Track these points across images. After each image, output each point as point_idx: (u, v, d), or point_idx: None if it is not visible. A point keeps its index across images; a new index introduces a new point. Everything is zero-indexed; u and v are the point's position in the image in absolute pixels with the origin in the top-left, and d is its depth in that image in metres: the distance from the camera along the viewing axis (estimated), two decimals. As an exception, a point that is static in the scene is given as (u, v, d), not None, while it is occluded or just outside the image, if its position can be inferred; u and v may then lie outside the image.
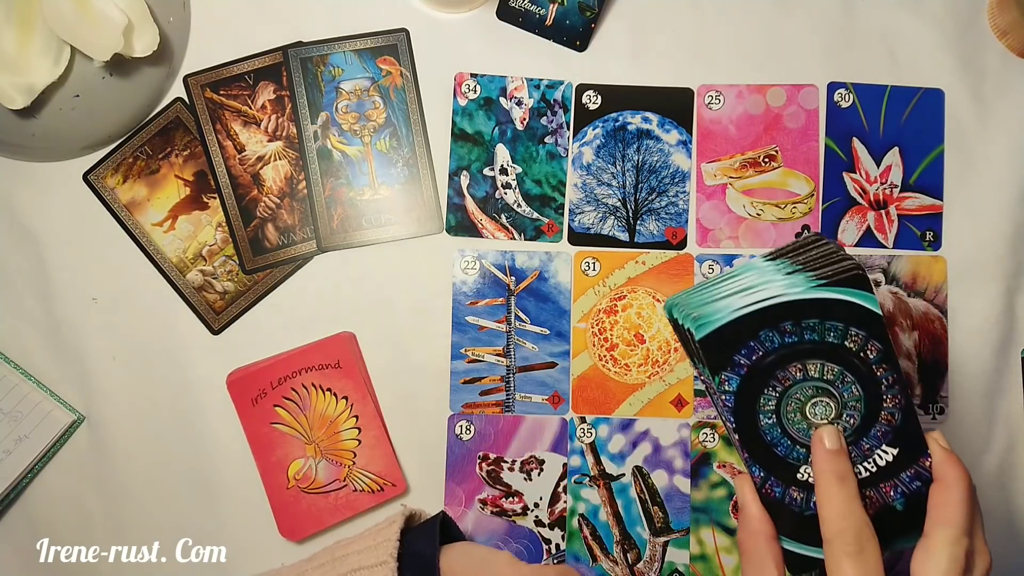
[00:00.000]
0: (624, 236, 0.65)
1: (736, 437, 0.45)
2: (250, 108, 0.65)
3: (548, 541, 0.64)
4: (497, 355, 0.65)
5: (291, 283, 0.65)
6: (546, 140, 0.66)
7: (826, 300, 0.43)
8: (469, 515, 0.64)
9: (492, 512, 0.64)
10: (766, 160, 0.66)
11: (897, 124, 0.66)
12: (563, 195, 0.65)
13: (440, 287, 0.65)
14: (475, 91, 0.66)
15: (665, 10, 0.66)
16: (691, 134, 0.66)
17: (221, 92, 0.65)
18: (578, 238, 0.65)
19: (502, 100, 0.66)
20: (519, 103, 0.66)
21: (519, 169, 0.65)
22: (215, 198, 0.65)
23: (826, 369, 0.44)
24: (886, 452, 0.45)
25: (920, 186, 0.66)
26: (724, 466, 0.64)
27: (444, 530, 0.56)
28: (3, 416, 0.62)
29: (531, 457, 0.64)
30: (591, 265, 0.65)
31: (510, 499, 0.64)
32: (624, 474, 0.64)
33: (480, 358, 0.65)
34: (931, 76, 0.66)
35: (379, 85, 0.65)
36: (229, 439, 0.63)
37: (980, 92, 0.66)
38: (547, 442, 0.64)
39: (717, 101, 0.66)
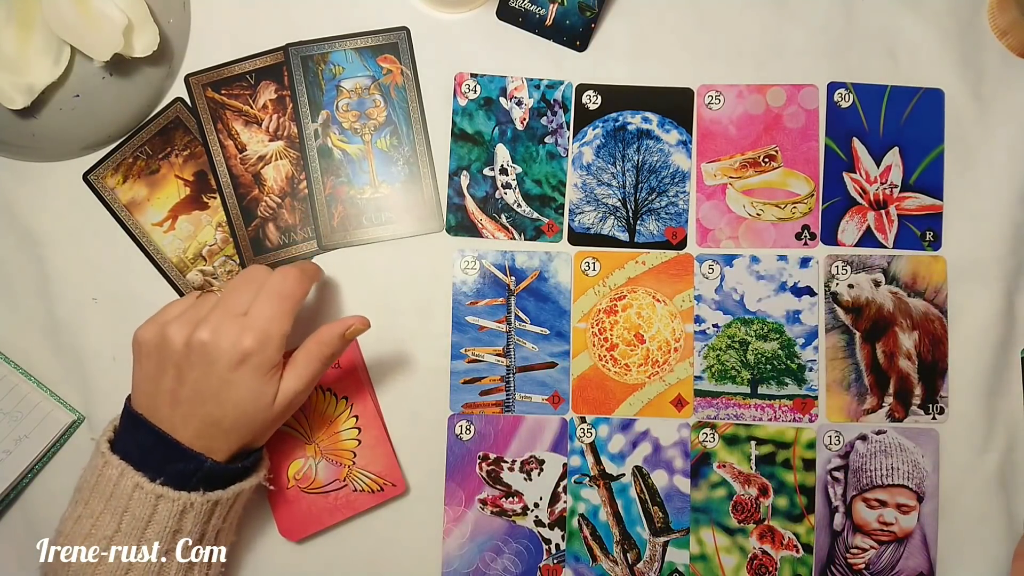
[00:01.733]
0: (624, 236, 0.65)
1: None
2: (251, 108, 0.65)
3: (548, 541, 0.64)
4: (497, 355, 0.65)
5: (291, 283, 0.65)
6: (546, 140, 0.66)
7: None
8: (469, 515, 0.64)
9: (492, 512, 0.64)
10: (766, 160, 0.66)
11: (897, 124, 0.66)
12: (563, 195, 0.65)
13: (440, 287, 0.65)
14: (475, 91, 0.66)
15: (665, 10, 0.66)
16: (691, 134, 0.66)
17: (222, 92, 0.65)
18: (578, 238, 0.65)
19: (502, 100, 0.66)
20: (519, 103, 0.66)
21: (519, 169, 0.65)
22: (215, 198, 0.65)
23: None
24: None
25: (920, 186, 0.66)
26: (724, 466, 0.64)
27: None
28: (3, 416, 0.62)
29: (531, 457, 0.64)
30: (591, 265, 0.65)
31: (510, 499, 0.64)
32: (624, 474, 0.64)
33: (480, 358, 0.65)
34: (931, 76, 0.66)
35: (380, 83, 0.65)
36: (229, 439, 0.63)
37: (980, 92, 0.66)
38: (547, 442, 0.64)
39: (717, 101, 0.66)
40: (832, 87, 0.66)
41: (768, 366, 0.65)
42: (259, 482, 0.57)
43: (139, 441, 0.53)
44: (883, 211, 0.65)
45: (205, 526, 0.54)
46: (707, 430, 0.64)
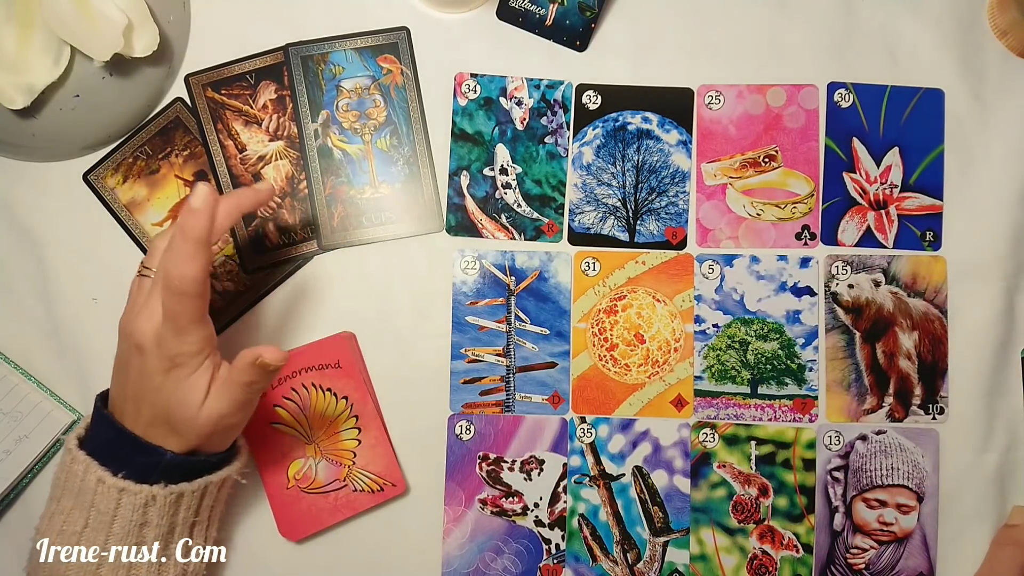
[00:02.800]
0: (624, 236, 0.65)
1: None
2: (251, 108, 0.65)
3: (548, 541, 0.64)
4: (497, 355, 0.65)
5: (291, 283, 0.65)
6: (546, 140, 0.66)
7: None
8: (469, 515, 0.64)
9: (492, 512, 0.64)
10: (766, 160, 0.66)
11: (897, 124, 0.66)
12: (563, 195, 0.65)
13: (440, 287, 0.65)
14: (475, 91, 0.66)
15: (665, 10, 0.66)
16: (691, 134, 0.66)
17: (222, 92, 0.65)
18: (578, 238, 0.65)
19: (502, 100, 0.66)
20: (519, 103, 0.66)
21: (519, 169, 0.65)
22: (215, 198, 0.65)
23: None
24: None
25: (920, 186, 0.66)
26: (724, 466, 0.64)
27: None
28: (3, 416, 0.62)
29: (531, 457, 0.64)
30: (591, 265, 0.65)
31: (510, 499, 0.64)
32: (624, 474, 0.64)
33: (480, 358, 0.65)
34: (931, 76, 0.66)
35: (380, 83, 0.65)
36: (229, 439, 0.63)
37: (980, 92, 0.66)
38: (547, 442, 0.64)
39: (717, 101, 0.66)
40: (832, 87, 0.66)
41: (768, 366, 0.65)
42: (230, 476, 0.56)
43: (104, 436, 0.54)
44: (883, 211, 0.65)
45: (173, 519, 0.53)
46: (707, 430, 0.64)
